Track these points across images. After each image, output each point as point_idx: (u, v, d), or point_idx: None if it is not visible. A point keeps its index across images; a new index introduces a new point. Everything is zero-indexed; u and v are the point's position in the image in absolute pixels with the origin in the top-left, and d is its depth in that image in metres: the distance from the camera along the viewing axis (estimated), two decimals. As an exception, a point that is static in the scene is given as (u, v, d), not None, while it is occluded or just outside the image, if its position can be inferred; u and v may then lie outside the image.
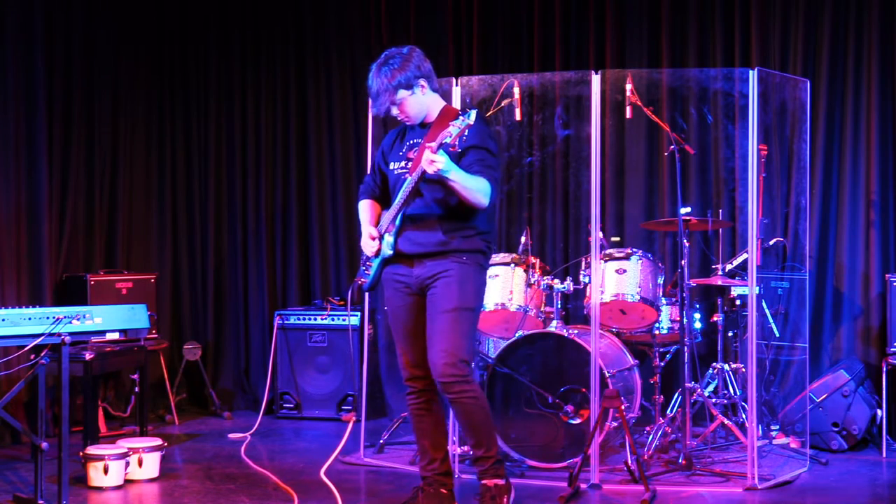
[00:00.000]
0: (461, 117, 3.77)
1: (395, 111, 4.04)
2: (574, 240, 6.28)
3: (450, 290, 3.97)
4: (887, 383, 5.35)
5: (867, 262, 5.88)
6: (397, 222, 4.03)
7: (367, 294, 4.21)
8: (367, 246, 4.15)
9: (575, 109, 6.07)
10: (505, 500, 4.03)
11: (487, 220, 4.08)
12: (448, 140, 3.77)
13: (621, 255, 5.18)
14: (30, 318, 4.14)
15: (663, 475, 4.75)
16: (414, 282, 4.07)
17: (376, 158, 4.29)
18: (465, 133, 3.82)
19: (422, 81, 4.02)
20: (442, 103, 4.14)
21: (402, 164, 4.08)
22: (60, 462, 4.21)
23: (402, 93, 3.99)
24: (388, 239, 4.06)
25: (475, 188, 3.89)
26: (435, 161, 3.77)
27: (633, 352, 5.39)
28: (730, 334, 5.57)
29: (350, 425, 5.46)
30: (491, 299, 5.09)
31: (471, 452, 4.13)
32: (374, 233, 4.14)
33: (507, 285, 5.16)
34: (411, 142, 4.08)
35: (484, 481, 4.05)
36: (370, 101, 4.09)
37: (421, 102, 4.04)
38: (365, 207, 4.27)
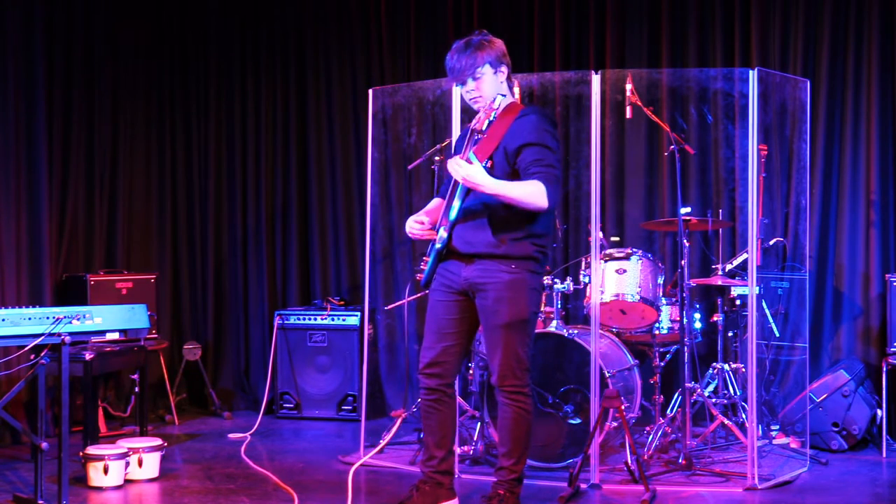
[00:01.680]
0: (496, 97, 3.84)
1: (470, 85, 3.99)
2: (574, 240, 6.28)
3: (502, 306, 3.93)
4: (887, 383, 5.35)
5: (867, 262, 5.88)
6: (451, 216, 3.96)
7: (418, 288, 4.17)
8: (408, 224, 4.11)
9: (575, 109, 6.07)
10: None
11: (540, 222, 3.98)
12: (479, 136, 3.78)
13: (621, 255, 5.19)
14: (30, 318, 4.14)
15: (663, 475, 4.75)
16: (460, 282, 4.02)
17: (447, 156, 4.26)
18: (491, 117, 3.81)
19: (504, 68, 4.05)
20: (510, 100, 4.09)
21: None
22: (60, 462, 4.21)
23: (486, 69, 3.98)
24: (442, 233, 4.00)
25: (524, 193, 3.82)
26: (459, 167, 3.78)
27: (633, 352, 5.39)
28: (730, 334, 5.57)
29: (399, 421, 5.41)
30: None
31: (498, 461, 4.11)
32: (421, 218, 4.10)
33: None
34: (476, 138, 4.00)
35: (499, 491, 4.05)
36: (449, 72, 4.02)
37: (496, 86, 4.01)
38: (431, 203, 4.26)
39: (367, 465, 5.07)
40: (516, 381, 3.98)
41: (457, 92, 4.90)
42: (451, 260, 4.05)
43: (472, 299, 4.03)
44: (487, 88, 4.00)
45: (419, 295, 5.62)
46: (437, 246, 4.02)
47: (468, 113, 4.26)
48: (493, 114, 3.90)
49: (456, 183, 3.92)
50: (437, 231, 4.03)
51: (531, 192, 3.83)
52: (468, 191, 3.92)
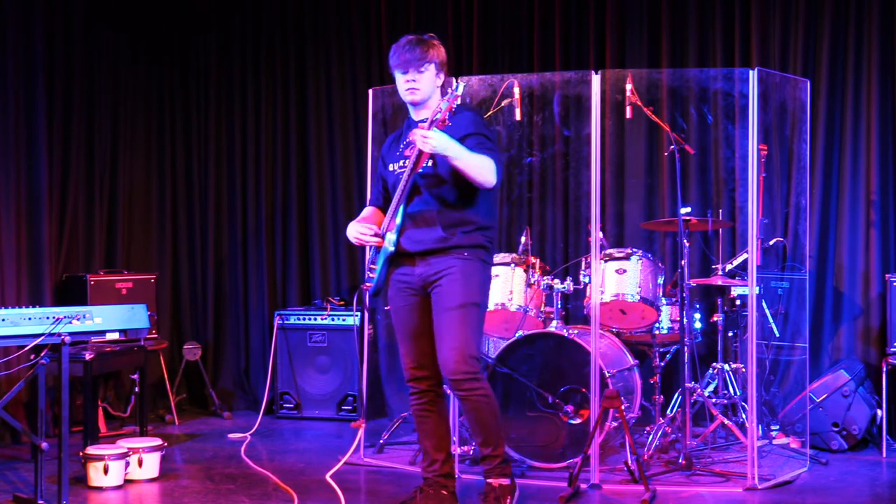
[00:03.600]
0: (448, 90, 3.85)
1: (411, 75, 4.03)
2: (574, 240, 6.28)
3: (453, 288, 3.96)
4: (887, 383, 5.35)
5: (867, 262, 5.88)
6: (398, 220, 4.02)
7: (367, 297, 4.18)
8: (354, 230, 4.11)
9: (575, 109, 6.07)
10: (508, 500, 4.03)
11: (488, 215, 4.08)
12: (438, 116, 3.81)
13: (621, 255, 5.18)
14: (30, 318, 4.14)
15: (663, 475, 4.75)
16: (416, 281, 4.07)
17: (378, 166, 4.30)
18: (455, 105, 3.84)
19: (443, 74, 4.12)
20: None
21: (401, 163, 4.10)
22: (60, 462, 4.21)
23: (431, 67, 4.04)
24: (390, 237, 4.04)
25: (480, 164, 3.88)
26: (427, 137, 3.79)
27: (633, 352, 5.39)
28: (730, 334, 5.57)
29: (360, 432, 5.38)
30: (491, 299, 5.08)
31: (477, 451, 4.13)
32: (369, 225, 4.11)
33: (507, 285, 5.17)
34: (407, 140, 4.08)
35: (489, 480, 4.05)
36: (393, 59, 4.07)
37: (434, 84, 4.08)
38: (365, 212, 4.29)
39: (367, 465, 5.08)
40: (467, 367, 3.93)
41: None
42: (401, 264, 4.08)
43: (429, 295, 4.06)
44: (425, 85, 4.06)
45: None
46: (390, 249, 4.04)
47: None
48: (437, 115, 3.88)
49: (403, 189, 3.97)
50: (385, 236, 4.06)
51: (486, 166, 3.90)
52: (412, 195, 3.99)
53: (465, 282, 3.97)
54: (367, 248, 4.19)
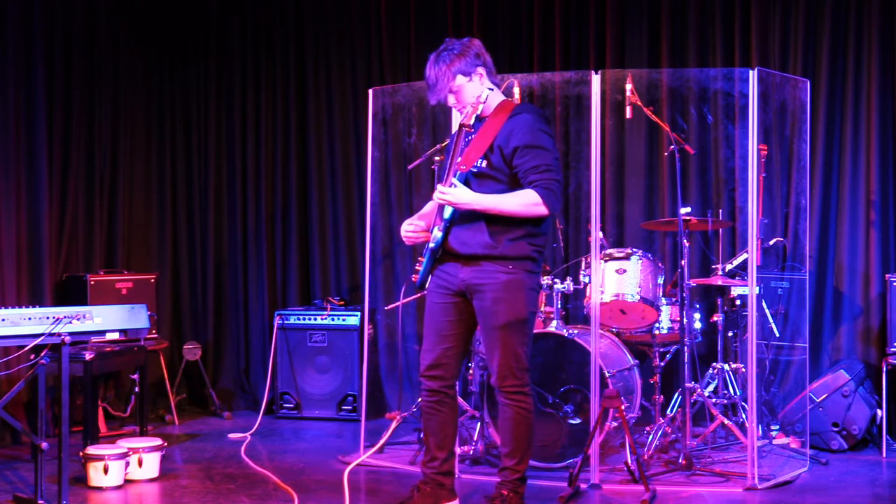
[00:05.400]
0: (483, 91, 3.86)
1: (451, 100, 3.97)
2: (574, 240, 6.28)
3: (500, 306, 3.92)
4: (887, 383, 5.35)
5: (867, 262, 5.88)
6: (445, 216, 3.95)
7: (414, 289, 4.13)
8: (403, 229, 4.09)
9: (575, 109, 6.07)
10: None
11: (537, 222, 3.96)
12: (467, 131, 3.80)
13: (621, 255, 5.18)
14: (30, 318, 4.14)
15: (663, 475, 4.75)
16: (457, 284, 4.01)
17: (446, 159, 4.23)
18: (479, 111, 3.81)
19: (480, 70, 3.97)
20: (501, 98, 4.06)
21: (450, 157, 4.01)
22: (60, 462, 4.21)
23: (461, 79, 3.93)
24: (436, 233, 3.98)
25: (516, 206, 3.83)
26: (444, 194, 3.78)
27: (633, 352, 5.39)
28: (730, 334, 5.57)
29: (394, 424, 5.38)
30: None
31: (500, 460, 4.11)
32: (415, 222, 4.09)
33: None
34: (468, 139, 3.98)
35: (502, 491, 4.05)
36: (428, 91, 3.99)
37: (478, 91, 3.94)
38: (426, 206, 4.23)
39: (366, 465, 5.08)
40: (516, 380, 3.98)
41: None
42: (447, 261, 4.04)
43: (469, 300, 4.02)
44: (468, 96, 3.96)
45: (415, 297, 5.61)
46: (432, 245, 4.00)
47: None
48: (480, 107, 3.91)
49: (444, 184, 3.91)
50: (432, 231, 4.00)
51: (525, 203, 3.83)
52: None
53: (510, 300, 3.91)
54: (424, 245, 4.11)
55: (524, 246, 3.94)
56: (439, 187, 3.85)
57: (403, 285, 5.80)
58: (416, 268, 4.08)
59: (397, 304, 5.73)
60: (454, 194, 3.84)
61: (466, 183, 3.93)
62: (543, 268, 5.34)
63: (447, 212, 3.95)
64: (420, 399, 4.24)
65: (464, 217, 3.94)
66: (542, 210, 3.84)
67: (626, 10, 6.29)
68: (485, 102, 3.93)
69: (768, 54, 6.02)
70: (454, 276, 4.02)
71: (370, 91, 5.44)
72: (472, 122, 3.92)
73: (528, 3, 6.46)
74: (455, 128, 4.69)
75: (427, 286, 4.13)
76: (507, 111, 3.94)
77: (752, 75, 4.65)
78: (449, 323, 4.07)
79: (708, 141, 6.06)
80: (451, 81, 3.93)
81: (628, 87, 4.97)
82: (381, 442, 5.11)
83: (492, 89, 4.00)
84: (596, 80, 4.72)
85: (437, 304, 4.09)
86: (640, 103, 4.99)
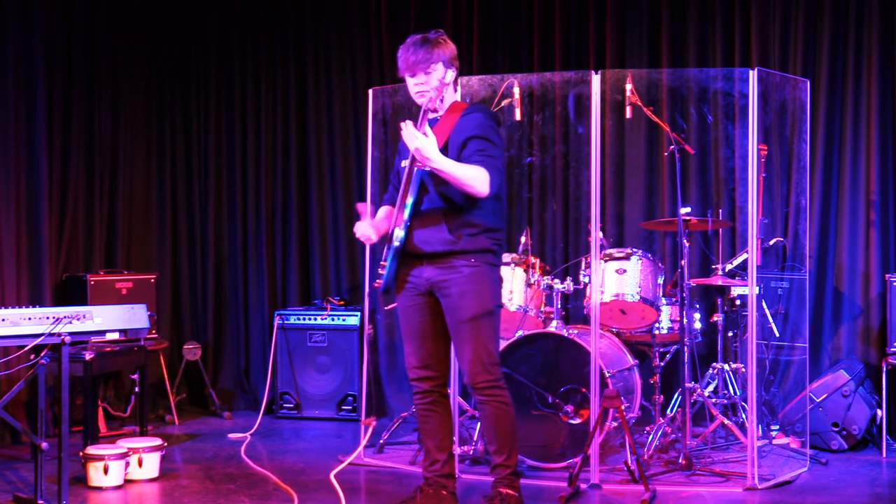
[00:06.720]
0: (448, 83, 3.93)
1: (420, 78, 3.99)
2: (574, 240, 6.28)
3: (465, 300, 3.96)
4: (887, 383, 5.35)
5: (867, 262, 5.88)
6: (405, 216, 3.98)
7: (378, 294, 4.13)
8: (358, 228, 4.09)
9: (575, 109, 6.07)
10: None
11: (494, 216, 4.04)
12: (428, 104, 3.85)
13: (621, 255, 5.19)
14: (30, 318, 4.14)
15: (663, 475, 4.75)
16: (423, 283, 4.05)
17: (396, 162, 4.28)
18: (443, 93, 3.89)
19: (453, 70, 4.06)
20: (455, 98, 4.15)
21: (410, 158, 4.06)
22: (60, 462, 4.21)
23: (439, 66, 3.99)
24: (398, 233, 3.99)
25: (468, 175, 3.85)
26: (415, 138, 3.76)
27: (633, 352, 5.39)
28: (730, 334, 5.57)
29: (369, 430, 5.36)
30: (491, 299, 5.08)
31: (490, 458, 4.13)
32: (368, 231, 4.09)
33: (507, 285, 5.15)
34: (430, 118, 4.01)
35: (498, 489, 4.05)
36: (401, 63, 4.03)
37: (444, 78, 4.01)
38: (379, 213, 4.26)
39: (367, 465, 5.08)
40: (489, 376, 3.99)
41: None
42: (411, 262, 4.06)
43: (437, 299, 4.05)
44: (434, 82, 4.00)
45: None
46: (396, 244, 4.00)
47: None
48: (444, 90, 3.96)
49: (407, 183, 3.95)
50: (393, 232, 4.02)
51: (474, 176, 3.86)
52: (421, 194, 3.97)
53: (476, 292, 3.96)
54: (385, 247, 4.12)
55: (484, 240, 4.00)
56: (412, 128, 3.80)
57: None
58: (380, 272, 4.04)
59: (397, 304, 5.70)
60: (423, 141, 3.79)
61: (423, 185, 3.98)
62: (543, 267, 5.35)
63: (406, 211, 3.97)
64: (414, 404, 4.23)
65: (423, 216, 3.99)
66: (485, 187, 3.87)
67: (626, 10, 6.29)
68: (442, 101, 3.99)
69: (768, 54, 6.02)
70: (419, 277, 4.06)
71: (370, 91, 5.44)
72: (436, 105, 3.96)
73: (528, 3, 6.46)
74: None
75: (391, 292, 4.13)
76: (460, 111, 4.04)
77: (752, 75, 4.65)
78: (425, 322, 4.10)
79: (708, 141, 6.06)
80: (433, 63, 3.98)
81: (628, 87, 4.97)
82: (358, 449, 5.07)
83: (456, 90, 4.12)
84: (596, 80, 4.72)
85: (410, 306, 4.12)
86: (640, 103, 4.99)
